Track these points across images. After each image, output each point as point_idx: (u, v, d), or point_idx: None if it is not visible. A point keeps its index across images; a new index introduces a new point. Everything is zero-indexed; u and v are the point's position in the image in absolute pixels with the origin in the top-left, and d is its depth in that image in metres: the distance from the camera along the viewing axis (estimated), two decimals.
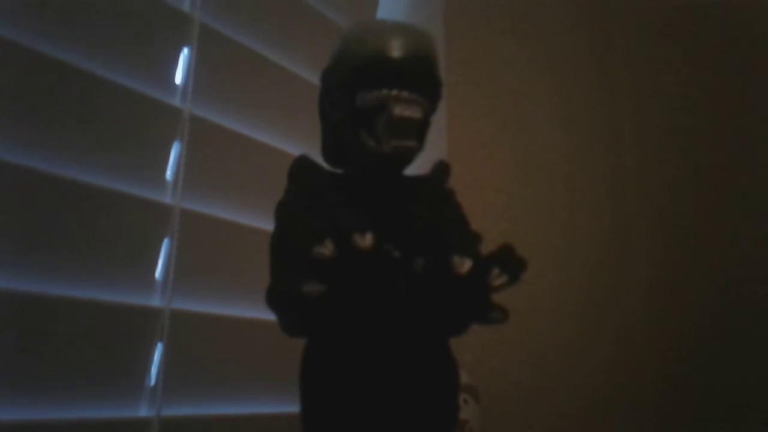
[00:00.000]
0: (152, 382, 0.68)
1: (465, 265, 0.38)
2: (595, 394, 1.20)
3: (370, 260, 0.37)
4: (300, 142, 0.83)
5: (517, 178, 1.19)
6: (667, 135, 1.42)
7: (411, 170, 0.49)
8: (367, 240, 0.36)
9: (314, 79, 0.54)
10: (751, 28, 1.31)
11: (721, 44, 1.35)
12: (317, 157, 0.49)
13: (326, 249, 0.36)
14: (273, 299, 0.41)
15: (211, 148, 0.77)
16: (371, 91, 0.41)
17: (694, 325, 1.29)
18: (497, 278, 0.38)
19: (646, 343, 1.33)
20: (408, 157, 0.44)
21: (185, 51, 0.77)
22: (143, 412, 0.67)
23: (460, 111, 1.11)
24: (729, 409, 1.20)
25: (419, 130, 0.43)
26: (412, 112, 0.41)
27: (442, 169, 0.49)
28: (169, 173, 0.74)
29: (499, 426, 0.95)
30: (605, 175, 1.40)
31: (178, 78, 0.77)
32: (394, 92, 0.41)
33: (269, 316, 0.42)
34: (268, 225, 0.45)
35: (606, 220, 1.36)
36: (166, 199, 0.73)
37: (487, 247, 0.41)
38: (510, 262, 0.39)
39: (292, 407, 0.44)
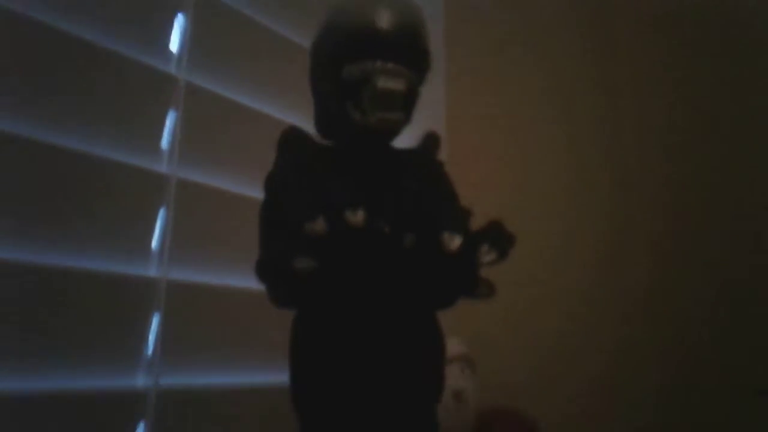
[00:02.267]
0: (149, 352, 0.68)
1: (455, 241, 0.38)
2: (596, 367, 1.20)
3: (362, 236, 0.37)
4: (296, 110, 0.82)
5: (517, 148, 1.18)
6: (667, 101, 1.40)
7: (407, 143, 0.49)
8: (358, 216, 0.36)
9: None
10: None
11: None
12: (311, 128, 0.49)
13: (318, 225, 0.36)
14: (263, 272, 0.41)
15: (207, 117, 0.77)
16: (357, 63, 0.41)
17: (694, 299, 1.28)
18: (486, 254, 0.38)
19: (648, 314, 1.33)
20: (393, 129, 0.44)
21: (180, 17, 0.77)
22: (140, 382, 0.67)
23: (459, 81, 1.10)
24: (725, 379, 1.21)
25: (406, 101, 0.42)
26: (396, 84, 0.41)
27: (431, 141, 0.48)
28: (164, 142, 0.73)
29: (496, 396, 0.96)
30: (605, 143, 1.38)
31: (174, 45, 0.76)
32: (379, 64, 0.40)
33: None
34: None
35: (607, 188, 1.36)
36: (162, 168, 0.72)
37: (484, 220, 0.41)
38: (499, 238, 0.39)
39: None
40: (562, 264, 1.20)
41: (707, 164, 1.31)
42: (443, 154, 0.49)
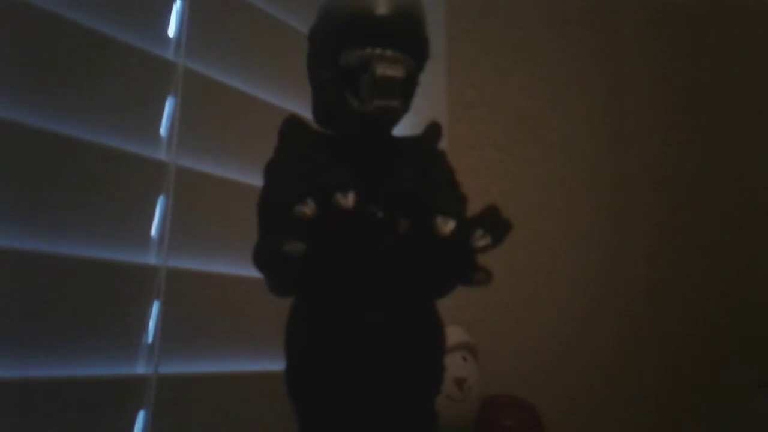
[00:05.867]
0: (149, 339, 0.68)
1: (448, 226, 0.37)
2: (597, 352, 1.20)
3: (352, 220, 0.37)
4: (295, 96, 0.82)
5: (518, 136, 1.18)
6: (668, 94, 1.40)
7: (409, 131, 0.49)
8: (349, 199, 0.36)
9: None
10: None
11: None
12: (311, 116, 0.49)
13: (307, 208, 0.35)
14: (258, 259, 0.41)
15: (206, 103, 0.76)
16: (355, 50, 0.40)
17: (695, 287, 1.28)
18: (480, 240, 0.38)
19: (649, 303, 1.33)
20: (392, 117, 0.44)
21: (178, 3, 0.76)
22: (141, 369, 0.67)
23: (461, 69, 1.09)
24: (725, 371, 1.21)
25: (404, 89, 0.42)
26: (395, 72, 0.40)
27: (433, 131, 0.48)
28: (163, 129, 0.73)
29: (499, 384, 0.96)
30: (605, 132, 1.38)
31: (172, 30, 0.75)
32: (378, 51, 0.40)
33: None
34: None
35: (607, 176, 1.35)
36: (161, 155, 0.72)
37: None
38: (494, 223, 0.38)
39: None
40: (563, 252, 1.20)
41: (707, 158, 1.31)
42: (444, 142, 0.49)
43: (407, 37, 0.42)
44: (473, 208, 0.41)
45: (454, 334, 0.83)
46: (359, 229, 0.39)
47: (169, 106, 0.73)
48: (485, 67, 1.15)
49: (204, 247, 0.74)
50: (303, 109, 0.53)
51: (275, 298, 0.44)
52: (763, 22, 1.28)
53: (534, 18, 1.26)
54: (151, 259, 0.70)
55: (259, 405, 0.75)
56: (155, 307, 0.69)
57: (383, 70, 0.40)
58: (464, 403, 0.81)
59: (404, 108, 0.43)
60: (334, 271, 0.40)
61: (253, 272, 0.43)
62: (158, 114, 0.73)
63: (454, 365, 0.81)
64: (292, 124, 0.46)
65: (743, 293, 1.22)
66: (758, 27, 1.29)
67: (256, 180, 0.75)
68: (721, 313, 1.24)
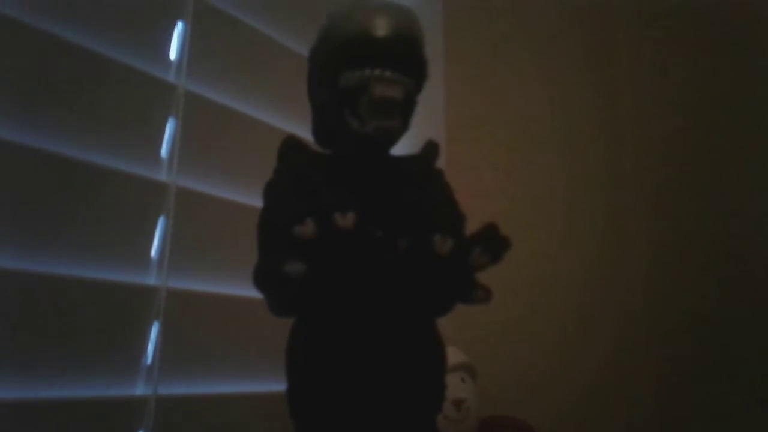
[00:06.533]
0: (149, 360, 0.68)
1: (446, 244, 0.37)
2: (595, 373, 1.20)
3: (352, 240, 0.37)
4: (296, 118, 0.83)
5: (515, 156, 1.18)
6: (666, 109, 1.40)
7: (408, 150, 0.49)
8: (348, 219, 0.36)
9: None
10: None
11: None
12: (310, 137, 0.49)
13: (307, 228, 0.36)
14: (258, 279, 0.41)
15: (206, 125, 0.77)
16: (354, 71, 0.41)
17: (692, 307, 1.28)
18: (479, 258, 0.38)
19: (645, 323, 1.33)
20: (391, 137, 0.44)
21: (180, 26, 0.77)
22: (140, 390, 0.67)
23: (458, 89, 1.10)
24: (726, 388, 1.20)
25: (403, 109, 0.43)
26: (394, 93, 0.41)
27: (431, 150, 0.48)
28: (164, 150, 0.73)
29: (497, 405, 0.95)
30: (602, 151, 1.38)
31: (173, 53, 0.76)
32: (376, 72, 0.40)
33: None
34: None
35: (604, 197, 1.35)
36: (162, 176, 0.72)
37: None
38: (493, 241, 0.38)
39: None
40: (560, 272, 1.20)
41: (706, 166, 1.31)
42: (441, 161, 0.49)
43: (406, 59, 0.42)
44: (472, 226, 0.42)
45: (452, 355, 0.82)
46: (359, 248, 0.39)
47: (169, 127, 0.74)
48: (483, 87, 1.16)
49: (204, 268, 0.74)
50: (303, 130, 0.54)
51: (275, 319, 0.44)
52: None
53: (532, 37, 1.27)
54: (151, 279, 0.70)
55: (259, 426, 0.74)
56: (155, 328, 0.69)
57: (382, 91, 0.40)
58: (462, 423, 0.80)
59: (403, 128, 0.44)
60: (334, 291, 0.40)
61: (253, 293, 0.43)
62: (159, 135, 0.73)
63: (453, 386, 0.81)
64: (291, 145, 0.46)
65: (743, 312, 1.21)
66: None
67: (256, 201, 0.75)
68: (720, 334, 1.23)
